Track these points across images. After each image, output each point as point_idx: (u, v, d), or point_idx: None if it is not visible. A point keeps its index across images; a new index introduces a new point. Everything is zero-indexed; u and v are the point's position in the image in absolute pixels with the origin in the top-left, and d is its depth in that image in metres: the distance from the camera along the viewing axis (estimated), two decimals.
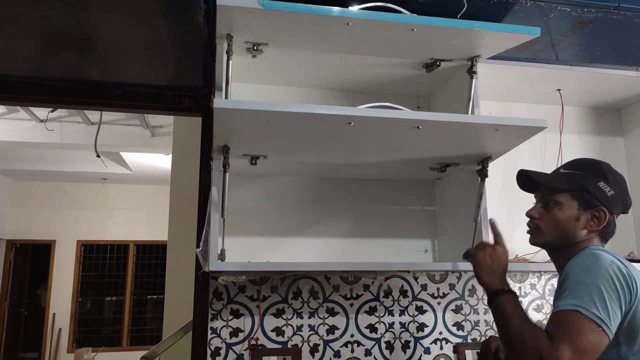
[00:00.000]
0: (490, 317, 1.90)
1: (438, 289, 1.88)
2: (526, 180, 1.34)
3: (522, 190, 1.37)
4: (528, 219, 1.30)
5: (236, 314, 1.70)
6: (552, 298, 1.70)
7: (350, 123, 1.29)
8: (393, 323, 1.82)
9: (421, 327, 1.84)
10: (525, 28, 1.41)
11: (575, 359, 1.01)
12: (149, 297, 7.68)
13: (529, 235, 1.31)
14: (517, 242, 1.86)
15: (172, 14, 1.37)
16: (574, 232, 1.21)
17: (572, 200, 1.22)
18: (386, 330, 1.81)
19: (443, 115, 1.36)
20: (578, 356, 1.01)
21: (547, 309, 1.96)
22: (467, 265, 1.62)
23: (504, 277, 1.23)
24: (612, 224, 1.23)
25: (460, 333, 1.86)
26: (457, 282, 1.90)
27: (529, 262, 1.80)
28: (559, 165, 1.34)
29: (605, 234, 1.23)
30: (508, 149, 1.53)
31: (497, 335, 1.66)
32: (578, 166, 1.28)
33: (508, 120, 1.41)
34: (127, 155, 5.64)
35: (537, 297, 1.96)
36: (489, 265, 1.25)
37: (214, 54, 1.42)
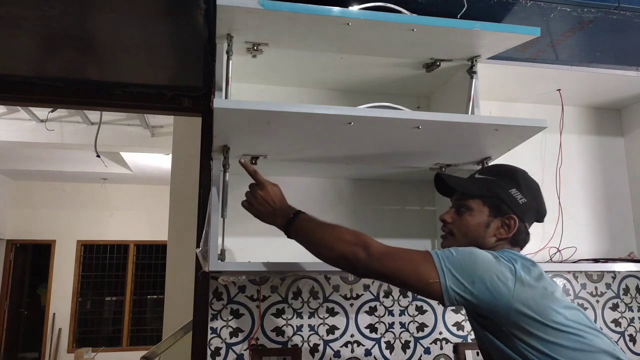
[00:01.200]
0: None
1: None
2: (442, 184, 1.33)
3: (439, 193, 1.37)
4: (442, 224, 1.29)
5: (236, 314, 1.70)
6: None
7: (351, 123, 1.29)
8: (393, 323, 1.82)
9: (421, 327, 1.84)
10: (525, 28, 1.41)
11: (390, 258, 1.10)
12: (149, 297, 7.68)
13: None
14: None
15: (172, 14, 1.37)
16: (483, 239, 1.20)
17: (483, 207, 1.21)
18: (386, 330, 1.81)
19: (443, 115, 1.36)
20: (395, 257, 1.11)
21: None
22: None
23: (285, 206, 1.29)
24: (523, 232, 1.21)
25: (460, 333, 1.86)
26: None
27: None
28: (475, 171, 1.33)
29: (517, 241, 1.21)
30: (508, 149, 1.53)
31: None
32: (492, 172, 1.27)
33: (508, 120, 1.41)
34: (127, 155, 5.64)
35: None
36: (269, 207, 1.30)
37: (214, 54, 1.42)
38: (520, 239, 1.21)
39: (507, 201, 1.19)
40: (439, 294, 1.05)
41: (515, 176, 1.23)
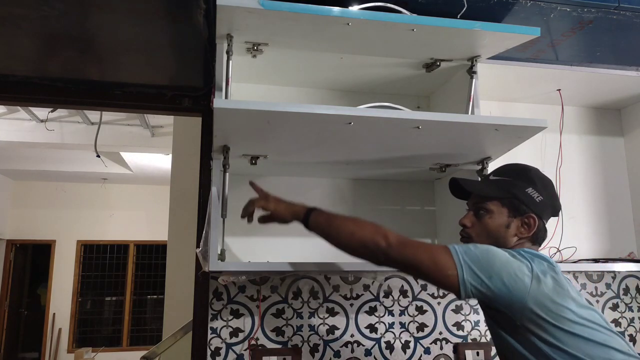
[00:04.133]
0: None
1: (438, 289, 1.88)
2: (458, 188, 1.34)
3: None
4: (461, 228, 1.30)
5: (236, 314, 1.70)
6: None
7: (350, 123, 1.29)
8: (393, 323, 1.82)
9: (421, 327, 1.84)
10: (525, 28, 1.41)
11: (409, 246, 1.12)
12: (149, 297, 7.68)
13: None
14: None
15: (172, 14, 1.37)
16: (505, 239, 1.21)
17: (502, 208, 1.22)
18: (386, 330, 1.81)
19: (443, 115, 1.36)
20: (414, 247, 1.12)
21: None
22: None
23: (299, 203, 1.32)
24: (542, 229, 1.23)
25: (460, 333, 1.86)
26: None
27: None
28: (489, 172, 1.35)
29: (537, 239, 1.23)
30: (508, 149, 1.53)
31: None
32: (507, 172, 1.29)
33: (508, 120, 1.41)
34: (127, 155, 5.64)
35: None
36: (284, 202, 1.33)
37: (214, 54, 1.42)
38: (539, 237, 1.24)
39: (525, 201, 1.21)
40: (456, 286, 1.07)
41: (530, 175, 1.25)
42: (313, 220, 1.26)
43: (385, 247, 1.14)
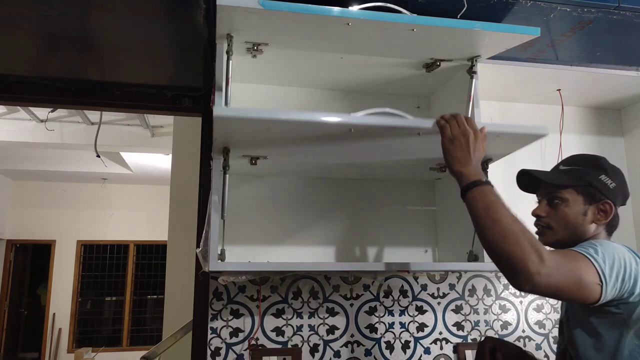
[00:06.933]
0: (490, 316, 1.90)
1: (438, 289, 1.88)
2: (527, 180, 1.34)
3: (522, 191, 1.37)
4: (535, 219, 1.28)
5: (236, 314, 1.70)
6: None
7: (351, 130, 1.29)
8: (393, 323, 1.82)
9: (421, 327, 1.84)
10: (525, 28, 1.40)
11: (557, 273, 1.01)
12: (149, 297, 7.69)
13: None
14: None
15: (172, 14, 1.37)
16: (583, 227, 1.22)
17: (577, 196, 1.23)
18: (386, 330, 1.81)
19: None
20: (562, 273, 1.02)
21: (547, 308, 1.96)
22: (467, 265, 1.62)
23: (478, 167, 1.18)
24: (616, 216, 1.24)
25: (460, 333, 1.86)
26: (457, 282, 1.90)
27: None
28: (558, 163, 1.35)
29: (612, 226, 1.25)
30: (508, 152, 1.54)
31: (492, 336, 1.67)
32: (577, 162, 1.29)
33: (509, 128, 1.41)
34: (127, 155, 5.64)
35: (536, 298, 1.96)
36: (467, 146, 1.18)
37: (214, 54, 1.42)
38: (614, 224, 1.25)
39: (599, 188, 1.22)
40: (598, 297, 1.05)
41: (600, 163, 1.26)
42: (471, 196, 1.12)
43: (534, 271, 0.98)
